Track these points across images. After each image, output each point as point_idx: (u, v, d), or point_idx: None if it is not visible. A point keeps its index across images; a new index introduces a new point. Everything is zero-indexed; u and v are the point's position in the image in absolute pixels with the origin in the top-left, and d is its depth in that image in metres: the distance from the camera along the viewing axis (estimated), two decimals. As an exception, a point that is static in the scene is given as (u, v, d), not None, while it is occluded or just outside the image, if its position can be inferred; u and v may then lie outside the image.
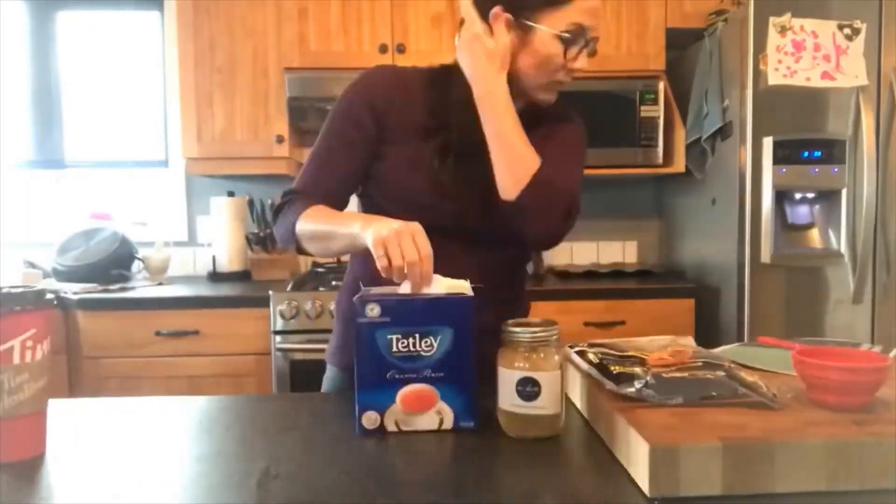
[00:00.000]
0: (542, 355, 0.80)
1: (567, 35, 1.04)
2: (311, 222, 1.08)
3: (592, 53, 1.09)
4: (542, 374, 0.80)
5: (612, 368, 0.84)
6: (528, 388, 0.80)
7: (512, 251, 1.22)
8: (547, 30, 1.05)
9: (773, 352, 1.03)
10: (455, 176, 1.11)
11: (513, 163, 1.06)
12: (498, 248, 1.18)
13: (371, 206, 1.18)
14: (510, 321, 0.85)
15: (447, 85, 1.13)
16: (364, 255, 1.08)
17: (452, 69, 1.14)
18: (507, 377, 0.81)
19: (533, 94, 1.12)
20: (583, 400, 0.91)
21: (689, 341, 0.98)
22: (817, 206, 2.20)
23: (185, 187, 2.95)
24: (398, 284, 0.90)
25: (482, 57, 1.05)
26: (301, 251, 1.13)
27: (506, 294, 1.23)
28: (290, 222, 1.09)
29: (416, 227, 0.91)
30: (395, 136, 1.13)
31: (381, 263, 0.90)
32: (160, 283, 2.63)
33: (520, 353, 0.81)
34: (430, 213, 1.06)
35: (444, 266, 0.93)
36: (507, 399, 0.81)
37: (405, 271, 0.88)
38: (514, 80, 1.10)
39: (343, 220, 1.04)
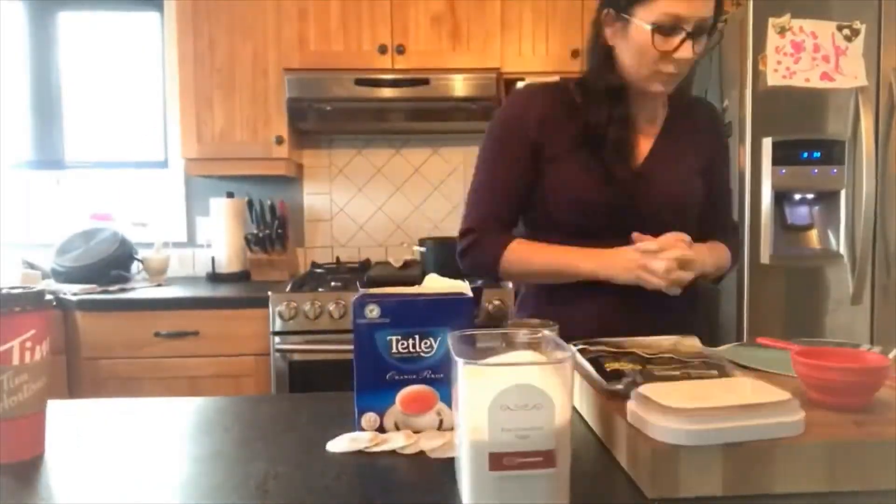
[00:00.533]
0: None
1: (657, 25, 1.07)
2: (523, 264, 1.20)
3: (697, 36, 1.09)
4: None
5: (606, 365, 0.84)
6: None
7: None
8: (639, 22, 1.08)
9: (771, 352, 1.03)
10: (619, 174, 1.18)
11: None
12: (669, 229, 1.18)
13: (541, 218, 1.24)
14: (512, 322, 0.85)
15: (599, 100, 1.18)
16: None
17: (595, 84, 1.20)
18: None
19: (643, 85, 1.15)
20: (582, 400, 0.91)
21: (693, 341, 0.98)
22: (816, 207, 2.21)
23: (184, 188, 2.95)
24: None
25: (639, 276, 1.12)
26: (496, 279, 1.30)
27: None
28: (492, 257, 1.21)
29: (646, 246, 1.09)
30: (556, 152, 1.19)
31: (648, 285, 1.10)
32: (159, 284, 2.63)
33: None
34: (603, 211, 1.18)
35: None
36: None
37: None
38: (626, 73, 1.17)
39: (561, 258, 1.17)
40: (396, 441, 0.79)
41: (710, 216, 1.30)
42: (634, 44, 1.11)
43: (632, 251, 1.10)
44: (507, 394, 0.59)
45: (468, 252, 1.24)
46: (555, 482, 0.61)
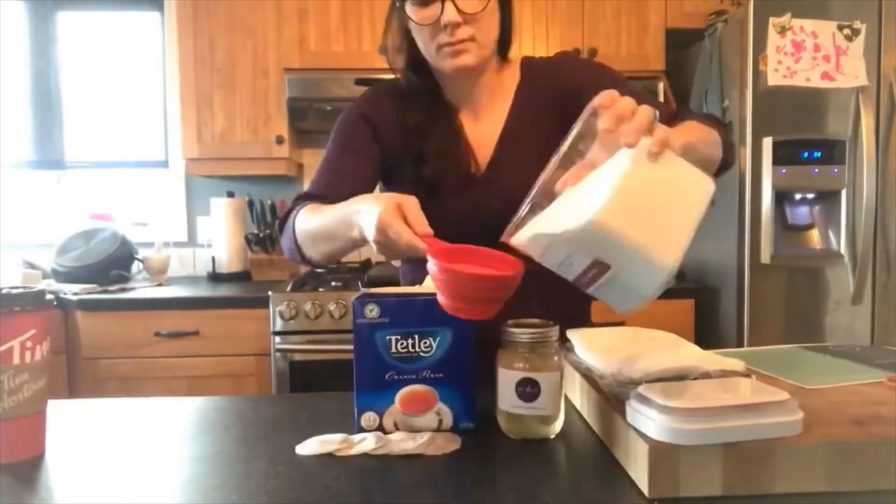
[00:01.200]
0: (541, 356, 0.80)
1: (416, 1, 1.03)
2: (307, 222, 1.03)
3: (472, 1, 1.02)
4: (541, 375, 0.79)
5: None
6: (528, 389, 0.79)
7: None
8: (402, 6, 1.06)
9: (775, 355, 1.02)
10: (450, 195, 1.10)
11: None
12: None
13: None
14: (510, 321, 0.85)
15: (414, 101, 1.13)
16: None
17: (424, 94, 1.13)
18: (507, 378, 0.81)
19: (441, 65, 1.07)
20: (582, 400, 0.91)
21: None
22: (817, 207, 2.21)
23: (184, 188, 2.95)
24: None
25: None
26: (308, 262, 1.08)
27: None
28: (290, 229, 1.06)
29: (406, 202, 0.84)
30: (395, 153, 1.13)
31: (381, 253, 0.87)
32: (160, 284, 2.63)
33: (519, 354, 0.81)
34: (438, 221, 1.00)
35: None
36: (507, 400, 0.81)
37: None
38: (431, 66, 1.11)
39: (335, 217, 0.97)
40: (366, 444, 0.79)
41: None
42: (413, 27, 1.06)
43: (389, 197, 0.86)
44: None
45: (281, 228, 1.11)
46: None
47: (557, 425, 0.82)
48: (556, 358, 0.81)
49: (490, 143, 1.13)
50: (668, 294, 2.36)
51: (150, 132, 3.00)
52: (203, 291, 2.43)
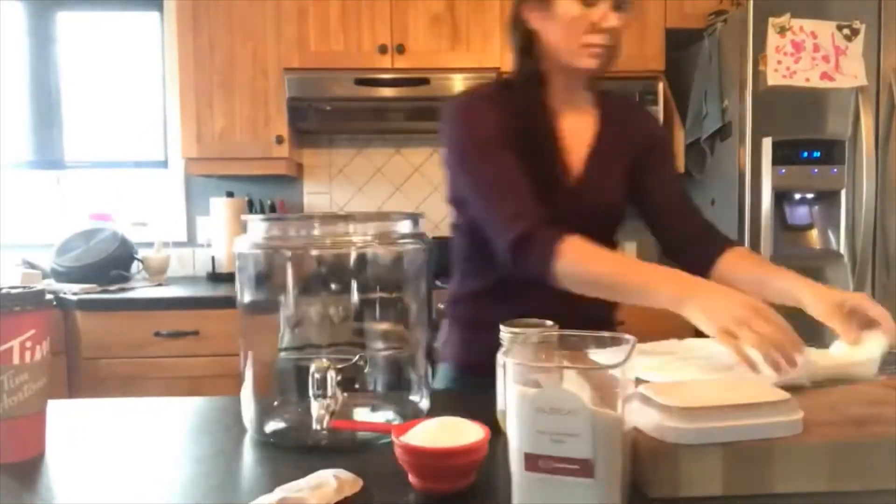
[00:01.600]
0: (541, 355, 0.80)
1: None
2: (582, 266, 1.01)
3: (619, 8, 1.12)
4: (540, 375, 0.79)
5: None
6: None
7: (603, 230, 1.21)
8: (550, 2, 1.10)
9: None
10: (559, 185, 1.16)
11: None
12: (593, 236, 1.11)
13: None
14: (507, 321, 0.85)
15: (524, 88, 1.18)
16: (476, 272, 1.26)
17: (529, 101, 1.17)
18: (503, 377, 0.81)
19: (573, 62, 1.13)
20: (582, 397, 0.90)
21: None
22: (816, 207, 2.21)
23: (184, 188, 2.95)
24: None
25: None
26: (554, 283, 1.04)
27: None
28: (549, 252, 1.02)
29: (760, 305, 0.87)
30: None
31: (736, 352, 0.83)
32: (159, 284, 2.63)
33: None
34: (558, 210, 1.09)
35: None
36: (504, 399, 0.81)
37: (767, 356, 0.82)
38: (554, 57, 1.15)
39: (634, 274, 1.00)
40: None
41: (687, 220, 1.25)
42: (561, 19, 1.11)
43: (743, 296, 0.90)
44: (540, 395, 0.60)
45: (520, 244, 1.05)
46: (594, 494, 0.59)
47: None
48: (554, 357, 0.81)
49: (579, 158, 1.19)
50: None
51: (150, 132, 3.00)
52: (203, 291, 2.43)
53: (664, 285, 0.96)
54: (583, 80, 1.20)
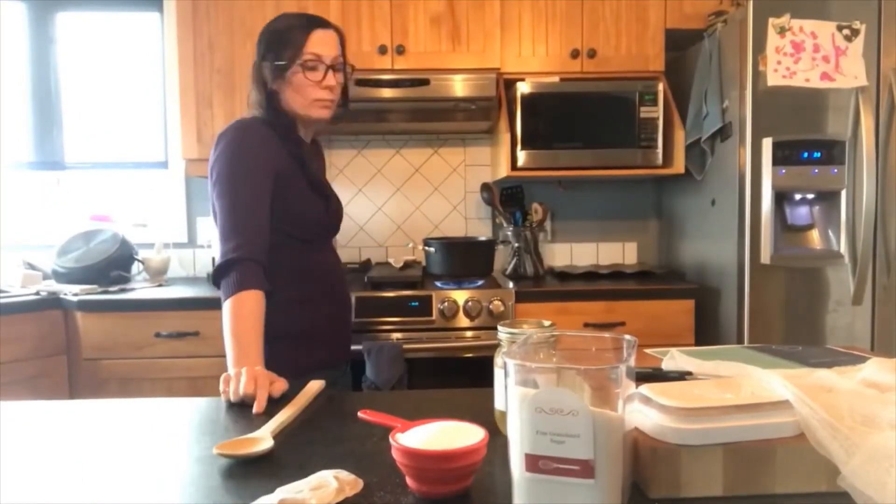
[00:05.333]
0: (539, 356, 0.80)
1: (306, 63, 1.41)
2: (229, 315, 1.29)
3: (335, 70, 1.45)
4: (540, 375, 0.79)
5: None
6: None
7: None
8: (295, 66, 1.41)
9: (721, 354, 1.02)
10: (329, 196, 1.56)
11: None
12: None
13: (281, 234, 1.43)
14: (506, 321, 0.85)
15: (294, 137, 1.47)
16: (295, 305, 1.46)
17: (288, 125, 1.48)
18: (504, 378, 0.81)
19: (309, 113, 1.45)
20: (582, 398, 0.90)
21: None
22: (817, 207, 2.21)
23: (184, 189, 2.95)
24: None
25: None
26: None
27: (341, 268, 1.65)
28: (226, 293, 1.31)
29: (256, 372, 1.10)
30: (286, 178, 1.42)
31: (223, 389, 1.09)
32: (160, 285, 2.63)
33: None
34: (320, 227, 1.51)
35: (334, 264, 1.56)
36: (504, 399, 0.81)
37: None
38: (292, 113, 1.46)
39: (235, 345, 1.26)
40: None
41: None
42: (295, 82, 1.42)
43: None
44: (540, 396, 0.60)
45: (219, 278, 1.33)
46: (594, 495, 0.59)
47: None
48: (553, 358, 0.81)
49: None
50: (667, 294, 2.36)
51: (150, 133, 3.00)
52: (203, 292, 2.43)
53: (232, 360, 1.25)
54: (314, 124, 1.52)
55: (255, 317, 1.29)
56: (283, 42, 1.42)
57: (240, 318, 1.28)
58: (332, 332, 1.53)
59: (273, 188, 1.40)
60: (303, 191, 1.46)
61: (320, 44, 1.42)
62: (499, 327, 0.83)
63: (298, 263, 1.46)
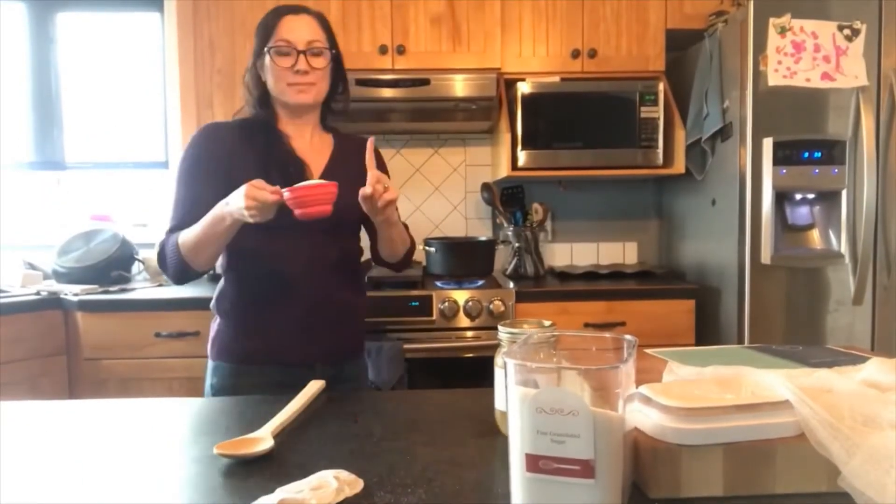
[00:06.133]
0: (539, 356, 0.80)
1: (275, 49, 1.42)
2: (188, 239, 1.33)
3: (320, 59, 1.44)
4: (540, 375, 0.79)
5: None
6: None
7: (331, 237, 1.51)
8: (266, 52, 1.43)
9: (722, 354, 1.02)
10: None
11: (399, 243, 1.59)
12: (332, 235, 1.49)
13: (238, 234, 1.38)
14: (506, 321, 0.85)
15: (267, 140, 1.47)
16: (238, 261, 1.45)
17: (264, 126, 1.49)
18: (504, 378, 0.81)
19: (286, 98, 1.45)
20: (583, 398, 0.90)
21: None
22: (817, 207, 2.20)
23: (185, 188, 2.95)
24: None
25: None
26: (194, 274, 1.38)
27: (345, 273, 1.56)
28: (173, 252, 1.35)
29: (254, 182, 1.22)
30: (243, 177, 1.34)
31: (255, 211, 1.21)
32: (160, 285, 2.63)
33: None
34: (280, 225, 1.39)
35: (304, 249, 1.42)
36: (504, 399, 0.81)
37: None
38: (276, 100, 1.48)
39: (209, 220, 1.30)
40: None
41: None
42: (270, 69, 1.44)
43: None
44: (541, 396, 0.59)
45: (162, 258, 1.39)
46: (594, 494, 0.59)
47: None
48: (553, 358, 0.81)
49: (321, 162, 1.51)
50: (668, 294, 2.36)
51: (150, 133, 3.00)
52: (203, 292, 2.43)
53: (217, 212, 1.28)
54: (308, 114, 1.51)
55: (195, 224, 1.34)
56: (259, 32, 1.46)
57: (189, 234, 1.33)
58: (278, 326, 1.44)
59: (225, 185, 1.35)
60: (247, 177, 1.34)
61: (290, 30, 1.43)
62: (499, 327, 0.83)
63: (254, 246, 1.41)
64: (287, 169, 1.42)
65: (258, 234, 1.33)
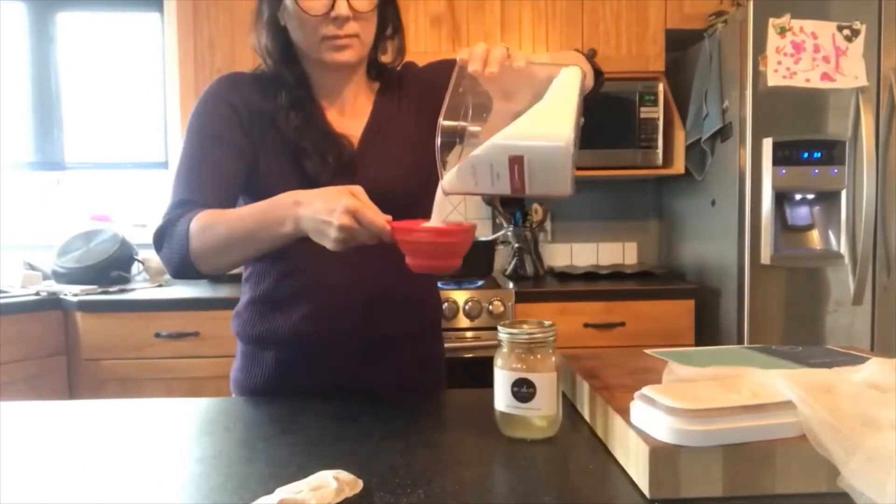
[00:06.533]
0: (538, 356, 0.80)
1: None
2: (210, 232, 0.95)
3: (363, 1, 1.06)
4: (537, 376, 0.79)
5: None
6: (524, 390, 0.79)
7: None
8: None
9: (722, 355, 1.02)
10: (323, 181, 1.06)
11: None
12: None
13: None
14: (505, 322, 0.85)
15: (297, 111, 1.10)
16: (261, 273, 1.15)
17: (292, 90, 1.11)
18: (503, 378, 0.81)
19: (320, 56, 1.07)
20: (581, 400, 0.91)
21: None
22: (817, 208, 2.20)
23: (184, 189, 2.94)
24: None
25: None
26: (201, 275, 1.01)
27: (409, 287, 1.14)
28: (181, 241, 0.98)
29: (357, 191, 0.86)
30: (265, 146, 1.09)
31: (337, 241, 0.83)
32: (160, 285, 2.63)
33: (515, 355, 0.81)
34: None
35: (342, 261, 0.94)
36: (503, 400, 0.81)
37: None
38: (304, 55, 1.10)
39: (251, 218, 0.93)
40: None
41: None
42: (296, 15, 1.04)
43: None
44: None
45: (159, 241, 1.04)
46: None
47: (555, 425, 0.83)
48: (553, 358, 0.81)
49: (353, 139, 1.13)
50: (668, 294, 2.36)
51: (150, 133, 3.00)
52: (203, 292, 2.43)
53: (277, 212, 0.90)
54: (347, 75, 1.13)
55: (228, 210, 0.98)
56: None
57: (216, 219, 0.96)
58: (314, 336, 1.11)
59: (241, 156, 1.08)
60: (274, 155, 1.09)
61: None
62: (499, 328, 0.83)
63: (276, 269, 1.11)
64: (323, 151, 1.07)
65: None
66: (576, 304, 2.33)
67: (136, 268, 2.74)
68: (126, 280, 2.63)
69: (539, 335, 0.80)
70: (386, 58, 1.20)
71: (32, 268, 2.65)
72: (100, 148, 3.01)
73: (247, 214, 0.94)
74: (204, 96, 1.15)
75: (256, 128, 1.09)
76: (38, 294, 2.34)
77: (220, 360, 2.27)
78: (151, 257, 2.73)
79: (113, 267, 2.59)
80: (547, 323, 0.83)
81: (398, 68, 1.22)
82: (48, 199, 2.93)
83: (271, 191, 0.94)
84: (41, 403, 1.06)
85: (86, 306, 2.27)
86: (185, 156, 1.09)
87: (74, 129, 3.00)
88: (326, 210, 0.83)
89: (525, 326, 0.82)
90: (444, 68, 1.01)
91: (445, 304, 2.22)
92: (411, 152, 1.11)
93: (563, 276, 2.70)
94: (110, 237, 2.67)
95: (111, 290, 2.43)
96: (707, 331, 2.40)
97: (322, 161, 1.06)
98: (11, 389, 2.12)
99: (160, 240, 1.04)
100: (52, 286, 2.48)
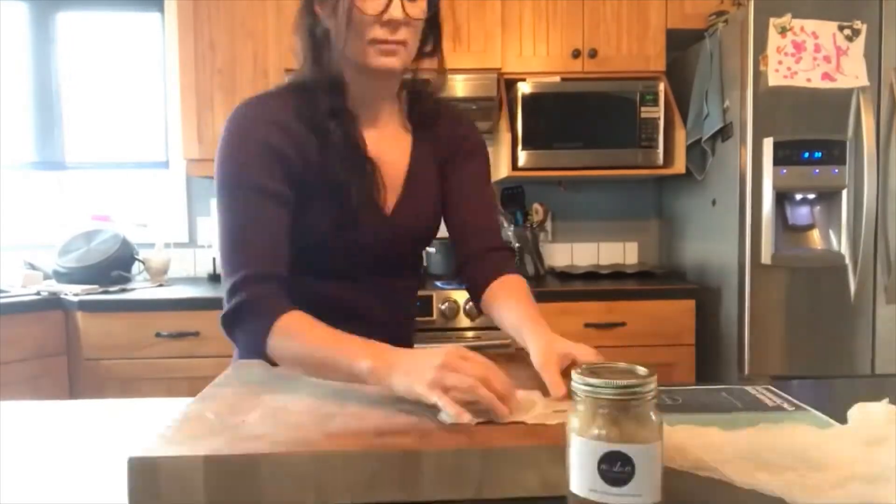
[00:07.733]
0: (635, 418, 0.55)
1: None
2: (293, 345, 0.91)
3: (417, 5, 1.01)
4: (636, 448, 0.54)
5: None
6: (617, 468, 0.54)
7: (408, 277, 1.18)
8: None
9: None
10: (368, 220, 1.05)
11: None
12: (395, 276, 1.14)
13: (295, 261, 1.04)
14: (584, 365, 0.59)
15: (331, 126, 1.03)
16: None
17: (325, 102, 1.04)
18: (584, 450, 0.55)
19: (364, 61, 1.00)
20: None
21: None
22: (818, 207, 2.20)
23: (185, 189, 2.95)
24: None
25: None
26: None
27: (399, 317, 1.18)
28: (258, 340, 0.93)
29: (462, 350, 0.78)
30: (304, 180, 1.02)
31: (452, 412, 0.72)
32: (160, 285, 2.63)
33: (602, 415, 0.55)
34: (339, 252, 1.05)
35: (354, 298, 1.05)
36: (585, 482, 0.56)
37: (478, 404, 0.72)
38: (346, 58, 1.02)
39: (339, 351, 0.86)
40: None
41: (477, 238, 1.13)
42: (342, 12, 0.97)
43: (446, 347, 0.79)
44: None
45: (231, 324, 0.96)
46: None
47: None
48: (654, 419, 0.55)
49: (396, 183, 1.10)
50: (668, 294, 2.36)
51: (151, 133, 3.00)
52: (204, 292, 2.43)
53: (366, 360, 0.82)
54: (386, 85, 1.08)
55: (319, 325, 0.91)
56: None
57: (306, 335, 0.90)
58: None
59: (287, 204, 1.01)
60: (315, 193, 1.02)
61: None
62: (573, 375, 0.57)
63: (306, 299, 0.97)
64: (355, 177, 1.02)
65: (316, 285, 1.03)
66: (576, 304, 2.33)
67: (136, 268, 2.74)
68: (126, 280, 2.63)
69: (638, 387, 0.54)
70: (422, 74, 1.16)
71: (33, 267, 2.65)
72: (100, 148, 3.01)
73: (333, 352, 0.86)
74: (234, 137, 1.04)
75: (297, 165, 1.02)
76: (38, 294, 2.35)
77: (220, 360, 2.26)
78: (152, 257, 2.73)
79: (113, 267, 2.59)
80: (642, 369, 0.58)
81: (433, 98, 1.19)
82: (49, 199, 2.94)
83: (304, 227, 1.01)
84: (41, 403, 1.06)
85: (86, 306, 2.27)
86: (232, 214, 0.99)
87: (75, 129, 3.00)
88: (418, 379, 0.77)
89: (614, 375, 0.57)
90: (478, 140, 1.15)
91: (446, 304, 2.22)
92: (433, 202, 1.13)
93: (564, 275, 2.70)
94: (111, 237, 2.67)
95: (112, 289, 2.43)
96: (707, 331, 2.40)
97: (360, 200, 1.02)
98: (11, 389, 2.13)
99: (233, 323, 0.96)
100: (53, 286, 2.48)
